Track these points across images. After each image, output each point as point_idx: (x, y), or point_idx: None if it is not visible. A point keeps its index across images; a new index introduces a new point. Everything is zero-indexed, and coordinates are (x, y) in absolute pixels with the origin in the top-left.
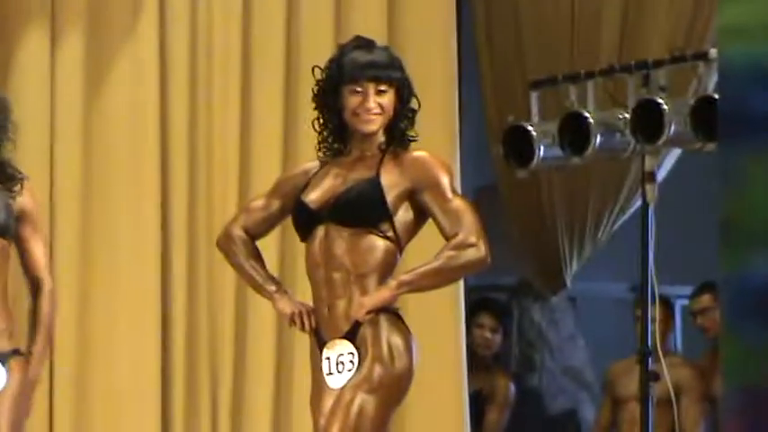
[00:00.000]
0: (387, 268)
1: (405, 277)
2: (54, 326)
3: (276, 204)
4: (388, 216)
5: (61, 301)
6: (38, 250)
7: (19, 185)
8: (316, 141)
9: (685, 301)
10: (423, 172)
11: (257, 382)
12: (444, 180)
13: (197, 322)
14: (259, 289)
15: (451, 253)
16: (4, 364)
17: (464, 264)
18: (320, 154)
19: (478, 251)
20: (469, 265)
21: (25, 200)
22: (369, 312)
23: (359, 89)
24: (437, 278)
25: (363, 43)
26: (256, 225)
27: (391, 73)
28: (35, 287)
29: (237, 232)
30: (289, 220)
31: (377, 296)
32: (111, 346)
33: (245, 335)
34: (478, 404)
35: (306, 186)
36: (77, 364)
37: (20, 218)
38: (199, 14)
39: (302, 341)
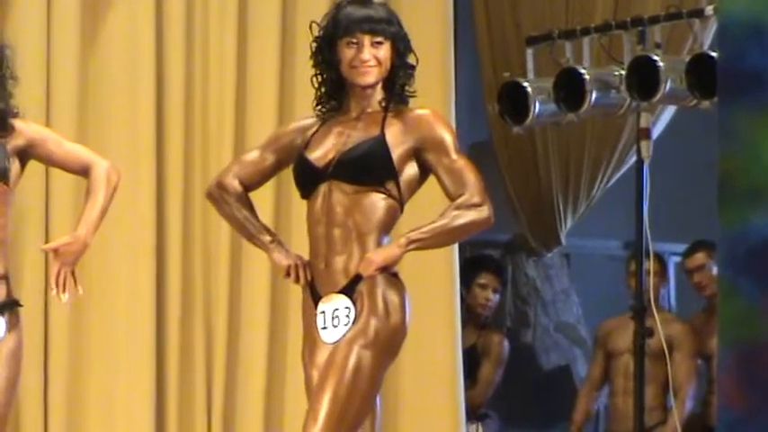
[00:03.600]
0: (388, 227)
1: (413, 235)
2: (111, 199)
3: (270, 158)
4: (394, 174)
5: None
6: (70, 152)
7: (10, 124)
8: (313, 98)
9: (678, 259)
10: (427, 131)
11: (251, 336)
12: (448, 139)
13: (192, 278)
14: (253, 239)
15: (457, 212)
16: (3, 314)
17: (469, 223)
18: (318, 111)
19: (482, 211)
20: (474, 224)
21: (26, 131)
22: (377, 269)
23: (354, 41)
24: (444, 237)
25: None
26: (249, 177)
27: (387, 27)
28: (89, 174)
29: (230, 182)
30: (281, 175)
31: (387, 253)
32: (107, 298)
33: (240, 290)
34: (472, 359)
35: (307, 144)
36: (75, 309)
37: (33, 146)
38: None
39: (297, 295)
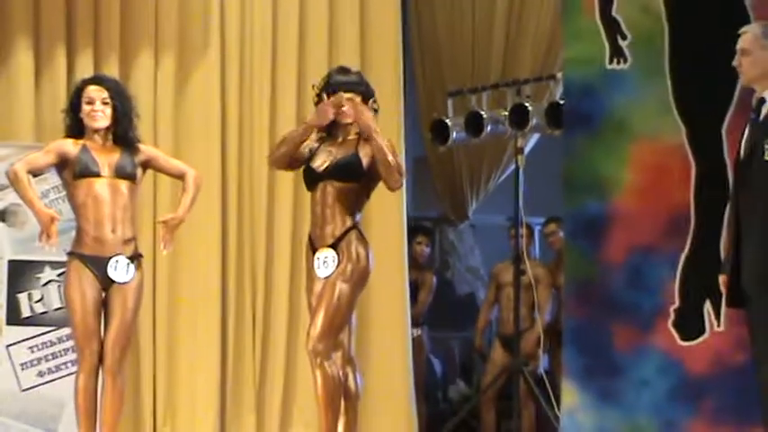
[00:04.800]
0: (359, 208)
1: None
2: (197, 195)
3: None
4: (363, 175)
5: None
6: (173, 164)
7: (137, 146)
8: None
9: (540, 227)
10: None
11: (279, 288)
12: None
13: (242, 251)
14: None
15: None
16: (132, 263)
17: (392, 162)
18: (315, 135)
19: (398, 168)
20: (395, 166)
21: (146, 151)
22: (360, 118)
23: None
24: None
25: (342, 69)
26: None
27: (358, 87)
28: (184, 179)
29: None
30: (298, 175)
31: (368, 117)
32: (192, 257)
33: (273, 262)
34: (413, 289)
35: (311, 158)
36: (172, 261)
37: (150, 160)
38: (245, 43)
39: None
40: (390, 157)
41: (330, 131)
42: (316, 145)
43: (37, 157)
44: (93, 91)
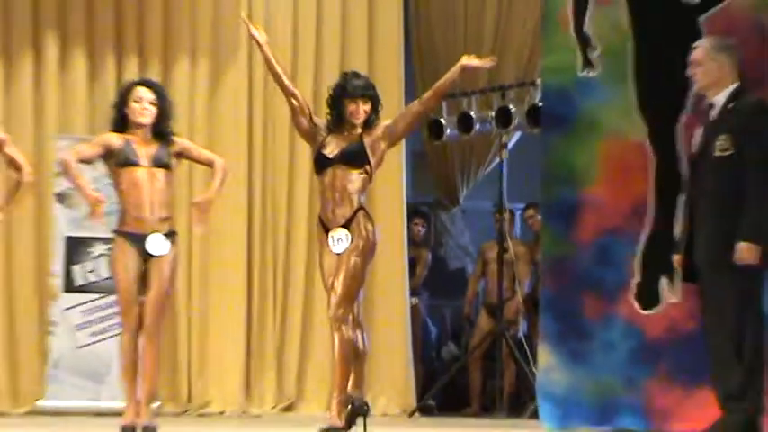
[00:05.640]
0: (364, 190)
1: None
2: (224, 184)
3: (310, 123)
4: (368, 162)
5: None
6: (203, 154)
7: (172, 139)
8: (326, 122)
9: (520, 211)
10: (381, 127)
11: (298, 247)
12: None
13: (264, 232)
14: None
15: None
16: (168, 238)
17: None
18: (325, 129)
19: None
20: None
21: (179, 143)
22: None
23: (353, 101)
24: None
25: (355, 75)
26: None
27: (369, 92)
28: (213, 166)
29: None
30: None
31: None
32: (220, 236)
33: (289, 246)
34: (411, 263)
35: (321, 146)
36: (204, 240)
37: (183, 151)
38: (276, 48)
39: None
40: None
41: (338, 126)
42: (325, 135)
43: (85, 149)
44: (143, 91)
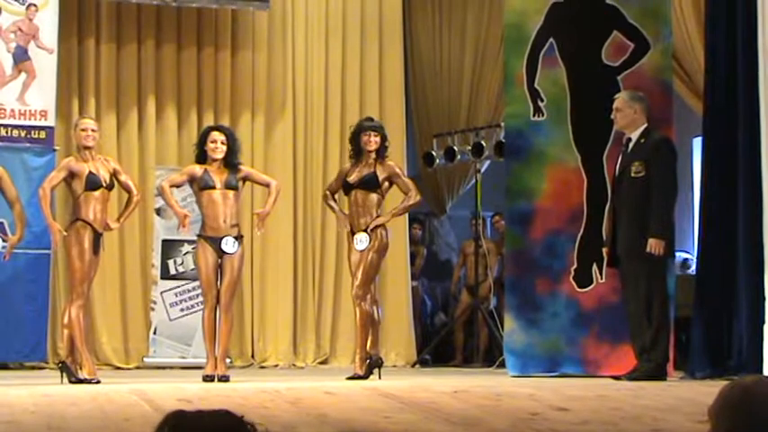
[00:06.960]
0: (378, 208)
1: (392, 210)
2: (277, 200)
3: (339, 180)
4: (380, 186)
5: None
6: (263, 177)
7: (239, 168)
8: (349, 155)
9: (490, 218)
10: (392, 170)
11: (330, 247)
12: (400, 172)
13: (307, 228)
14: (334, 211)
15: (407, 201)
16: (237, 240)
17: (413, 204)
18: (350, 160)
19: (417, 197)
20: (415, 204)
21: (244, 170)
22: (379, 225)
23: (367, 135)
24: (404, 211)
25: (369, 119)
26: (336, 187)
27: (380, 130)
28: (270, 186)
29: (329, 192)
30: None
31: (383, 219)
32: (275, 238)
33: (325, 238)
34: (412, 257)
35: (347, 175)
36: (263, 240)
37: (247, 176)
38: (308, 103)
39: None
40: (416, 200)
41: (358, 156)
42: (349, 167)
43: (175, 177)
44: (216, 135)
